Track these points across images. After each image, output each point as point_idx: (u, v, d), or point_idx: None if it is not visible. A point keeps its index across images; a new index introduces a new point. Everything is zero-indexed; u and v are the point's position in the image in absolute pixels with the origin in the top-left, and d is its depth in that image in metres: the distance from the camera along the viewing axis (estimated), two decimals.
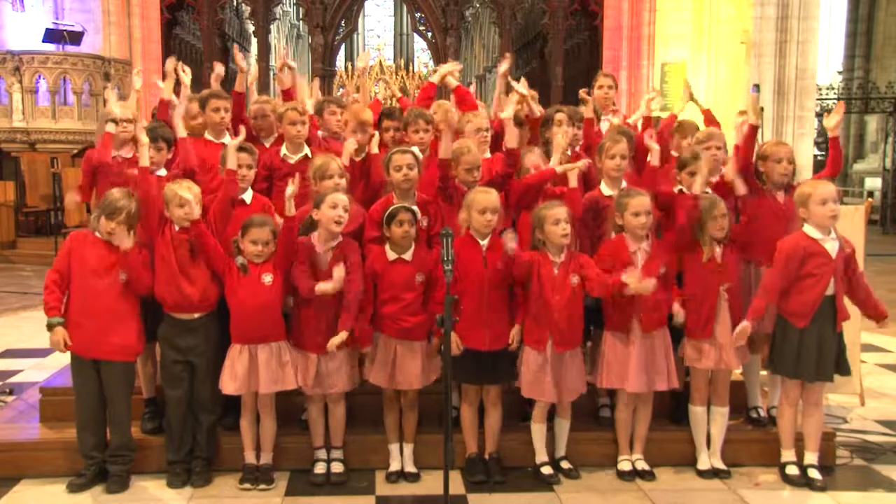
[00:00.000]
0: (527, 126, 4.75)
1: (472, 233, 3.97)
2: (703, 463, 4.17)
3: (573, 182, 4.18)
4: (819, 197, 3.92)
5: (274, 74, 20.68)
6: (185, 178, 4.06)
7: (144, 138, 4.04)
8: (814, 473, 4.06)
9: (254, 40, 18.89)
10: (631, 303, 3.96)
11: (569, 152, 4.51)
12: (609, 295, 3.96)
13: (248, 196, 4.22)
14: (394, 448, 4.13)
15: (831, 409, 5.09)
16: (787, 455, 4.15)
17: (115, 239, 3.83)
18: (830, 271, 3.93)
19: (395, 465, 4.10)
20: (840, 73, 21.34)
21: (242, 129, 4.26)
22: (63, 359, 4.42)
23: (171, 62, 4.66)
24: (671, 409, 4.41)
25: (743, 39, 13.03)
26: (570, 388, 4.00)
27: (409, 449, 4.14)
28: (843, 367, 4.06)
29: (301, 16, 21.84)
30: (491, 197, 3.93)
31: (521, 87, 4.56)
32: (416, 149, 4.24)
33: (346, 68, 28.14)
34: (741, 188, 4.24)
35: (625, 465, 4.14)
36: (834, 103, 18.75)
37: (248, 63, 4.96)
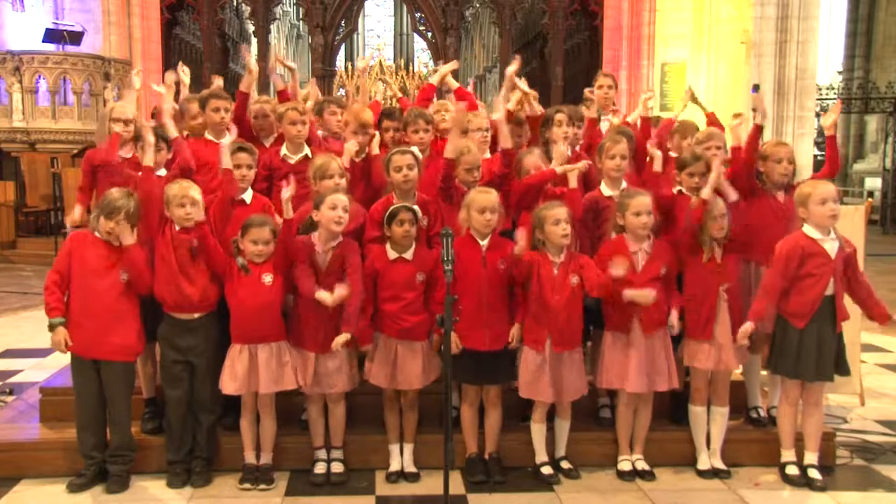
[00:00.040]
0: (527, 125, 4.75)
1: (472, 233, 3.97)
2: (703, 463, 4.17)
3: (573, 182, 4.18)
4: (819, 197, 3.92)
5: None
6: (183, 177, 4.05)
7: (151, 138, 4.04)
8: (814, 473, 4.06)
9: (254, 40, 18.89)
10: (631, 303, 3.96)
11: (569, 152, 4.51)
12: (608, 295, 3.96)
13: (248, 196, 4.22)
14: (394, 448, 4.13)
15: (831, 409, 5.09)
16: (787, 455, 4.15)
17: (116, 233, 3.82)
18: (830, 271, 3.93)
19: (395, 465, 4.10)
20: (840, 73, 21.34)
21: (233, 128, 4.26)
22: (63, 359, 4.42)
23: (170, 76, 4.62)
24: (671, 409, 4.41)
25: (743, 39, 13.03)
26: (570, 389, 3.99)
27: (409, 449, 4.14)
28: (842, 368, 4.06)
29: (301, 16, 21.85)
30: (490, 197, 3.93)
31: (524, 84, 4.56)
32: (415, 149, 4.25)
33: (346, 68, 28.12)
34: (732, 195, 4.16)
35: (625, 465, 4.14)
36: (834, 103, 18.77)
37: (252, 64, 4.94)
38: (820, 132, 17.61)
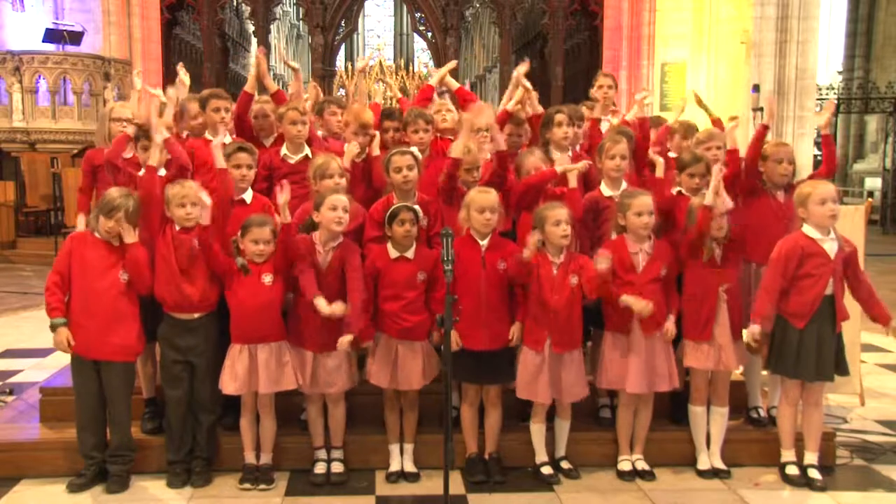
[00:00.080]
0: (527, 125, 4.75)
1: (472, 233, 3.97)
2: (703, 463, 4.17)
3: (573, 182, 4.18)
4: (818, 197, 3.92)
5: (273, 75, 20.63)
6: (180, 176, 4.04)
7: (159, 138, 4.04)
8: (814, 473, 4.06)
9: (254, 40, 18.89)
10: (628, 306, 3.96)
11: (569, 152, 4.51)
12: (605, 295, 3.95)
13: (248, 196, 4.22)
14: (394, 448, 4.13)
15: (831, 409, 5.09)
16: (787, 455, 4.15)
17: (116, 232, 3.82)
18: (829, 272, 3.93)
19: (395, 465, 4.10)
20: (840, 73, 21.35)
21: (224, 130, 4.26)
22: (63, 359, 4.42)
23: (172, 93, 4.59)
24: (671, 410, 4.41)
25: (743, 39, 13.03)
26: (570, 390, 3.99)
27: (409, 449, 4.14)
28: (841, 368, 4.05)
29: (301, 16, 21.83)
30: (490, 196, 3.93)
31: (526, 81, 4.58)
32: (415, 149, 4.25)
33: (345, 68, 28.13)
34: (728, 202, 4.07)
35: (625, 465, 4.14)
36: (834, 103, 18.77)
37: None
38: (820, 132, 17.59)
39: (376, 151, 4.50)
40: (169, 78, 4.77)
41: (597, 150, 4.40)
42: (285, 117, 4.43)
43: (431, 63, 23.27)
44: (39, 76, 12.36)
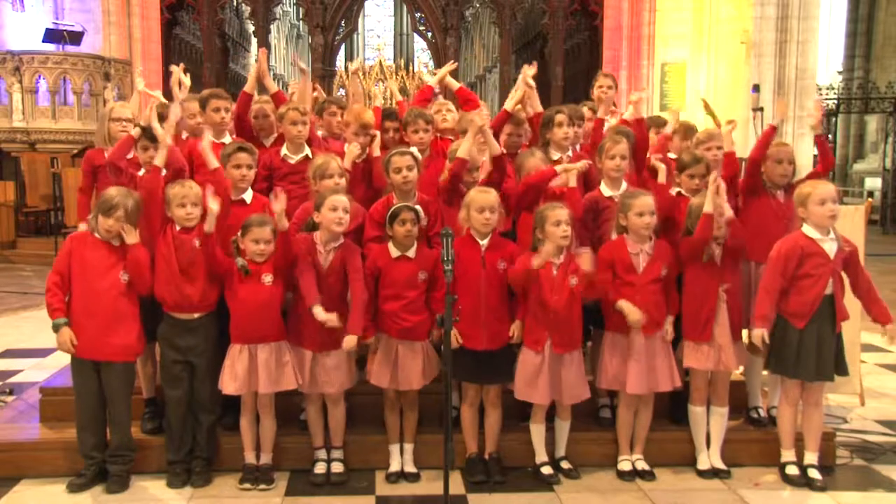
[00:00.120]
0: (527, 125, 4.75)
1: (472, 233, 3.97)
2: (703, 463, 4.17)
3: (572, 181, 4.18)
4: (818, 197, 3.92)
5: (273, 75, 20.63)
6: (177, 178, 4.04)
7: (168, 140, 4.04)
8: (814, 473, 4.06)
9: (254, 40, 18.89)
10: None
11: (569, 152, 4.51)
12: (594, 295, 3.96)
13: (248, 196, 4.22)
14: (394, 448, 4.13)
15: (831, 409, 5.09)
16: (787, 455, 4.15)
17: (115, 231, 3.81)
18: (829, 272, 3.93)
19: (395, 465, 4.10)
20: (840, 73, 21.35)
21: (208, 131, 4.25)
22: (63, 359, 4.42)
23: (175, 111, 4.56)
24: (671, 409, 4.41)
25: (743, 39, 13.04)
26: (570, 391, 3.99)
27: (409, 449, 4.14)
28: (840, 368, 4.05)
29: (301, 16, 21.85)
30: (489, 196, 3.93)
31: (530, 77, 4.58)
32: (415, 149, 4.25)
33: (345, 68, 28.13)
34: (728, 211, 4.05)
35: (625, 465, 4.14)
36: (834, 103, 18.79)
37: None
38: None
39: (377, 152, 4.50)
40: (169, 78, 4.74)
41: (597, 151, 4.40)
42: (286, 117, 4.43)
43: (431, 63, 23.28)
44: (39, 76, 12.36)
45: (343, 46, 25.03)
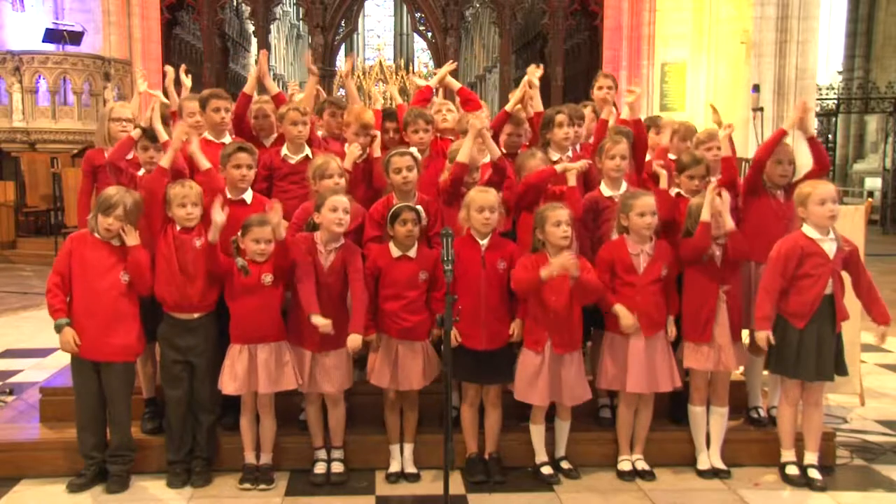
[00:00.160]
0: (527, 125, 4.75)
1: (472, 233, 3.97)
2: (703, 463, 4.17)
3: (572, 181, 4.18)
4: (818, 197, 3.92)
5: (273, 75, 20.61)
6: (176, 177, 4.04)
7: (177, 142, 4.04)
8: (814, 473, 4.06)
9: (254, 40, 18.89)
10: (630, 305, 3.96)
11: (569, 152, 4.51)
12: (594, 300, 3.97)
13: (248, 196, 4.21)
14: (394, 448, 4.13)
15: (831, 409, 5.09)
16: (787, 455, 4.15)
17: (115, 230, 3.81)
18: (828, 272, 3.93)
19: (395, 466, 4.10)
20: (840, 73, 21.35)
21: (194, 132, 4.25)
22: (63, 359, 4.42)
23: (181, 126, 4.56)
24: (671, 409, 4.41)
25: (743, 39, 13.04)
26: (571, 392, 3.98)
27: (409, 449, 4.14)
28: (840, 368, 4.06)
29: (301, 16, 21.84)
30: (489, 196, 3.93)
31: (535, 77, 4.60)
32: (414, 150, 4.25)
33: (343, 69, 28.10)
34: (729, 223, 4.04)
35: (625, 465, 4.14)
36: (834, 103, 18.80)
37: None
38: (820, 132, 17.63)
39: (377, 152, 4.50)
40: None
41: (597, 151, 4.40)
42: (286, 118, 4.43)
43: (431, 63, 23.28)
44: (39, 76, 12.36)
45: (343, 46, 25.00)
